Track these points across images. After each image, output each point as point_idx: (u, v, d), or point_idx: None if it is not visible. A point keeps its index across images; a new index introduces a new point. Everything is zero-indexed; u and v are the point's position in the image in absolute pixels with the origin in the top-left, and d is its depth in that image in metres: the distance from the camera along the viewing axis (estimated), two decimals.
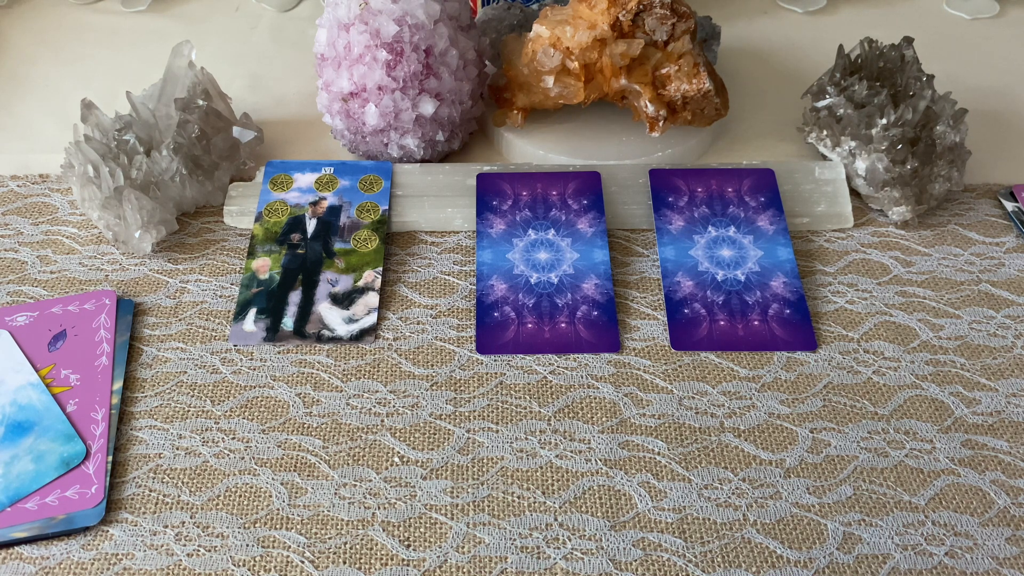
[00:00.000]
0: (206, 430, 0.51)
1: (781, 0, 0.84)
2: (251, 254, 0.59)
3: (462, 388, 0.54)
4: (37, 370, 0.53)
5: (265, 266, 0.59)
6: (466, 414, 0.52)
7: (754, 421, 0.52)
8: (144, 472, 0.49)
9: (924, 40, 0.73)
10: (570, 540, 0.47)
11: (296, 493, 0.49)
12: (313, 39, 0.71)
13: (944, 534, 0.47)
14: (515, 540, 0.47)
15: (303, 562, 0.46)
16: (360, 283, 0.58)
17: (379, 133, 0.63)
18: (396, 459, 0.50)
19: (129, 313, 0.57)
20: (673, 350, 0.55)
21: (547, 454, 0.51)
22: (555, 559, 0.46)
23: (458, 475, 0.50)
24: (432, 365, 0.55)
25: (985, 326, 0.57)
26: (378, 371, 0.54)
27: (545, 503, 0.49)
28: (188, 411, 0.52)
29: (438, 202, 0.63)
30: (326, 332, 0.56)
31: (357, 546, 0.47)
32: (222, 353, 0.55)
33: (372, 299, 0.57)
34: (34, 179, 0.65)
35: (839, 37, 0.75)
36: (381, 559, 0.46)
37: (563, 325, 0.56)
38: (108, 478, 0.49)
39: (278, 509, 0.48)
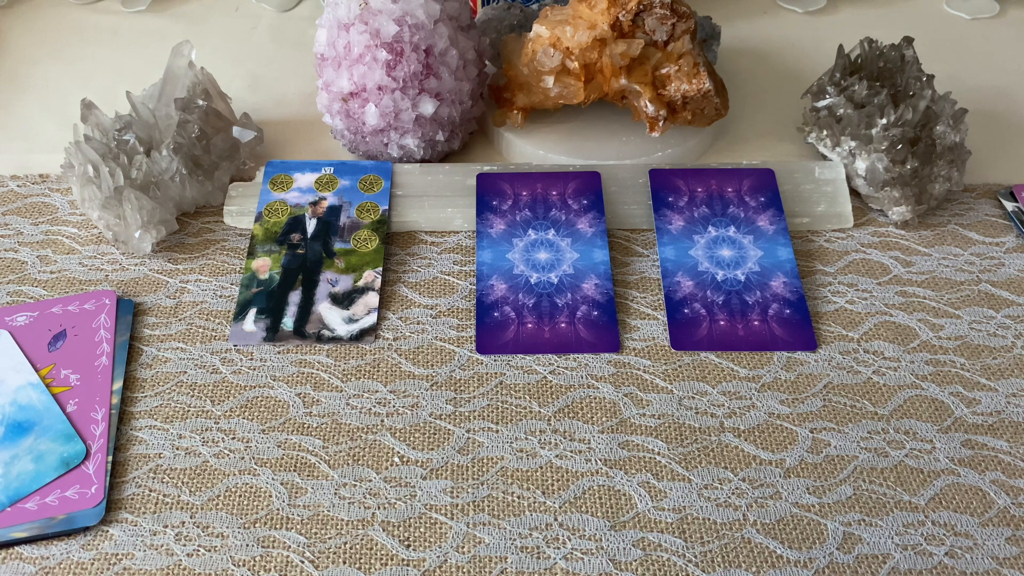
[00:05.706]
0: (206, 430, 0.51)
1: (781, 0, 0.84)
2: (251, 254, 0.59)
3: (462, 388, 0.54)
4: (37, 370, 0.53)
5: (265, 266, 0.59)
6: (466, 414, 0.52)
7: (754, 421, 0.52)
8: (144, 472, 0.49)
9: (924, 40, 0.73)
10: (570, 540, 0.47)
11: (296, 493, 0.49)
12: (313, 39, 0.71)
13: (944, 534, 0.47)
14: (515, 540, 0.47)
15: (303, 562, 0.46)
16: (360, 283, 0.58)
17: (379, 133, 0.63)
18: (396, 459, 0.50)
19: (129, 313, 0.57)
20: (673, 350, 0.55)
21: (547, 454, 0.51)
22: (555, 559, 0.46)
23: (458, 475, 0.50)
24: (432, 365, 0.55)
25: (985, 326, 0.57)
26: (378, 371, 0.54)
27: (545, 503, 0.49)
28: (188, 411, 0.52)
29: (438, 202, 0.63)
30: (326, 332, 0.56)
31: (357, 546, 0.47)
32: (222, 353, 0.55)
33: (372, 299, 0.57)
34: (34, 179, 0.65)
35: (839, 37, 0.75)
36: (381, 559, 0.46)
37: (563, 325, 0.56)
38: (108, 478, 0.49)
39: (278, 509, 0.48)
